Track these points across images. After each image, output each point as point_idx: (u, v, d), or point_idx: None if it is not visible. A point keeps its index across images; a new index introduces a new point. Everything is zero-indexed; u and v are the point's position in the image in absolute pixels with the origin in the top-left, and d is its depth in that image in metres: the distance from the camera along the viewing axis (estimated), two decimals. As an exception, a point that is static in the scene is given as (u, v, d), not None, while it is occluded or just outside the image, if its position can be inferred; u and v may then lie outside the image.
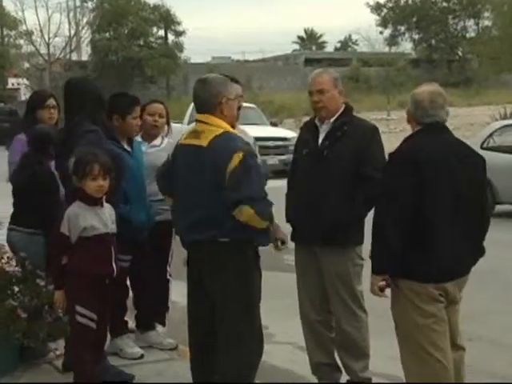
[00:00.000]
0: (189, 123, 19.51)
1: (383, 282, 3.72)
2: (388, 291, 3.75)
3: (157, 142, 5.44)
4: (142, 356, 5.11)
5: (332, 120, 4.41)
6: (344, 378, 4.56)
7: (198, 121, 3.96)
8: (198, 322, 4.02)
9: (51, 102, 5.37)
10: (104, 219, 4.29)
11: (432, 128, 3.72)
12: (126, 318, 5.26)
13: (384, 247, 3.61)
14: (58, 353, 4.93)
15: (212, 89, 3.90)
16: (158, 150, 5.33)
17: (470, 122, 25.65)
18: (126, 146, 5.02)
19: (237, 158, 3.70)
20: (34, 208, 4.78)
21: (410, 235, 3.57)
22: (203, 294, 3.94)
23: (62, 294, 4.27)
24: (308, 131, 4.55)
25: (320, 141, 4.41)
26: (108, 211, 4.36)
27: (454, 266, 3.67)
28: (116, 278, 4.37)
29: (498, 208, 11.22)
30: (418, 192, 3.56)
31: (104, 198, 4.31)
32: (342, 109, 4.44)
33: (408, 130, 3.93)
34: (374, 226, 3.64)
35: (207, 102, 3.89)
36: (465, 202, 3.66)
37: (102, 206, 4.32)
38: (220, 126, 3.86)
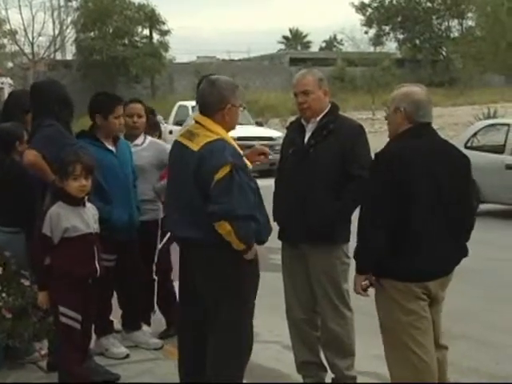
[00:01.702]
0: (174, 123, 19.49)
1: (366, 282, 3.75)
2: (371, 290, 3.77)
3: (138, 141, 5.44)
4: (127, 356, 5.10)
5: (318, 119, 4.42)
6: (329, 376, 4.58)
7: (195, 121, 3.94)
8: (189, 323, 4.00)
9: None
10: (86, 219, 4.29)
11: (425, 128, 3.74)
12: (111, 318, 5.26)
13: (367, 247, 3.63)
14: (42, 352, 4.91)
15: (219, 93, 3.85)
16: (139, 150, 5.35)
17: (455, 121, 25.78)
18: (109, 146, 5.00)
19: (224, 170, 3.65)
20: (12, 206, 4.77)
21: (393, 235, 3.58)
22: (194, 294, 3.91)
23: (46, 295, 4.26)
24: (294, 130, 4.57)
25: (306, 140, 4.43)
26: (91, 211, 4.36)
27: (437, 266, 3.69)
28: (101, 278, 4.36)
29: (482, 207, 11.29)
30: (403, 192, 3.57)
31: (86, 197, 4.32)
32: (327, 108, 4.45)
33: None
34: (358, 225, 3.66)
35: (212, 104, 3.84)
36: (450, 203, 3.67)
37: (84, 205, 4.31)
38: (215, 131, 3.81)
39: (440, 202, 3.64)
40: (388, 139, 3.84)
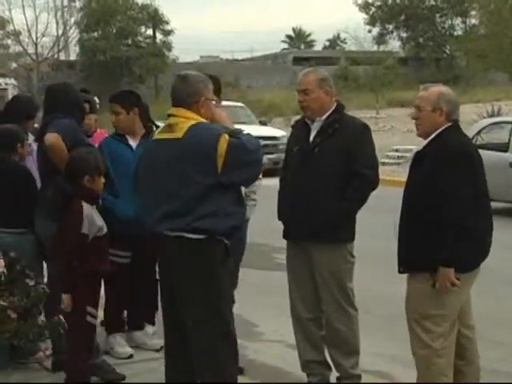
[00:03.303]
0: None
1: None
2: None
3: None
4: (131, 356, 5.12)
5: (323, 118, 4.42)
6: (334, 375, 4.58)
7: (169, 115, 3.85)
8: (169, 321, 3.88)
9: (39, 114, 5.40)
10: (101, 218, 4.36)
11: (459, 125, 3.99)
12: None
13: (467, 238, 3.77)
14: (47, 353, 4.92)
15: (192, 86, 3.83)
16: None
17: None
18: (130, 142, 5.15)
19: (223, 141, 3.62)
20: (17, 207, 4.78)
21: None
22: (172, 294, 3.79)
23: (70, 297, 4.26)
24: (299, 129, 4.57)
25: (311, 138, 4.43)
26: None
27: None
28: (116, 275, 4.43)
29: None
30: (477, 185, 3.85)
31: None
32: (333, 107, 4.45)
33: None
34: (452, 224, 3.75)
35: (186, 98, 3.81)
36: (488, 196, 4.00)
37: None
38: (193, 117, 3.77)
39: (486, 193, 3.96)
40: (420, 138, 4.02)
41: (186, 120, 3.75)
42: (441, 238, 3.75)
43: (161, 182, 3.75)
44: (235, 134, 3.72)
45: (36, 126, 5.70)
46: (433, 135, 3.93)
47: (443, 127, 3.92)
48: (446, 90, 4.01)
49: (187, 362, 3.80)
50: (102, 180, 4.41)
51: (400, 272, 3.98)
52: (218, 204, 3.66)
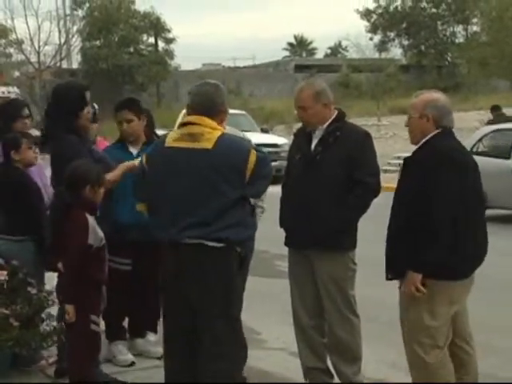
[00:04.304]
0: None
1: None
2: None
3: None
4: (132, 363, 5.12)
5: (325, 126, 4.43)
6: (336, 382, 4.58)
7: (190, 123, 3.82)
8: (178, 331, 3.83)
9: (25, 111, 5.36)
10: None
11: (452, 132, 3.95)
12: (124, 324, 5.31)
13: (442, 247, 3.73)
14: (50, 361, 4.92)
15: (223, 96, 3.92)
16: None
17: (460, 127, 25.73)
18: (131, 149, 5.19)
19: (253, 155, 3.75)
20: (19, 214, 4.79)
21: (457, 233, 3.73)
22: (184, 301, 3.77)
23: (73, 307, 4.26)
24: (301, 137, 4.58)
25: (313, 146, 4.44)
26: None
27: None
28: (117, 283, 4.44)
29: (488, 212, 11.23)
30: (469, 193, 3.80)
31: None
32: (334, 115, 4.46)
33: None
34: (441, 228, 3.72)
35: (217, 105, 3.85)
36: (482, 203, 3.98)
37: None
38: (216, 127, 3.81)
39: (480, 203, 3.94)
40: (412, 145, 3.98)
41: (212, 130, 3.77)
42: (422, 243, 3.71)
43: (186, 192, 3.73)
44: (258, 149, 3.86)
45: (37, 133, 5.68)
46: (422, 141, 3.90)
47: (432, 133, 3.87)
48: (435, 96, 3.95)
49: (190, 367, 3.79)
50: (102, 191, 4.41)
51: (388, 279, 3.95)
52: (239, 215, 3.75)
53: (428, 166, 3.76)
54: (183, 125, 3.88)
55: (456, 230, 3.70)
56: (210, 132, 3.77)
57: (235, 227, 3.71)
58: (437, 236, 3.69)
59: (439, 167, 3.73)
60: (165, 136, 3.97)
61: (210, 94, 3.87)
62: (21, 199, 4.81)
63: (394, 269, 3.90)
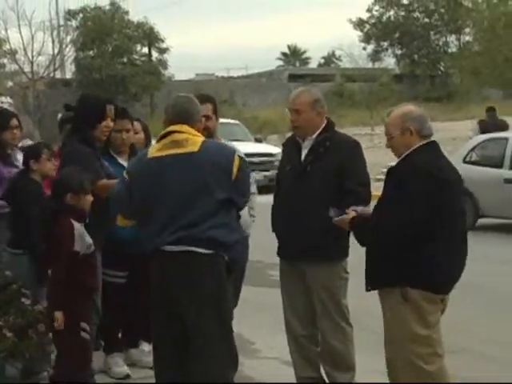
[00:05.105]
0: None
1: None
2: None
3: None
4: (127, 375, 5.10)
5: (314, 136, 4.45)
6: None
7: (172, 132, 3.85)
8: (167, 338, 3.82)
9: (14, 122, 5.37)
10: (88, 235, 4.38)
11: (435, 143, 3.90)
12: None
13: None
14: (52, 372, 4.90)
15: (197, 106, 4.01)
16: None
17: (453, 136, 25.81)
18: (120, 160, 5.12)
19: (237, 159, 3.82)
20: (15, 227, 4.79)
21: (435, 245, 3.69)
22: (174, 310, 3.76)
23: (62, 313, 4.26)
24: (290, 147, 4.60)
25: (303, 157, 4.45)
26: None
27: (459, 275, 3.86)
28: (113, 296, 4.43)
29: (481, 221, 11.30)
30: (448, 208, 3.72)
31: None
32: (323, 124, 4.48)
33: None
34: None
35: (194, 115, 3.94)
36: (462, 217, 3.87)
37: None
38: (197, 134, 3.90)
39: (462, 214, 3.86)
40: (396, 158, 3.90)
41: (195, 136, 3.87)
42: (390, 255, 3.71)
43: (174, 198, 3.75)
44: (240, 154, 3.95)
45: (30, 142, 5.67)
46: (405, 153, 3.83)
47: (417, 145, 3.81)
48: (409, 108, 3.90)
49: (180, 374, 3.79)
50: (89, 198, 4.39)
51: (367, 290, 3.88)
52: (226, 218, 3.79)
53: (402, 178, 3.74)
54: (164, 136, 3.91)
55: (429, 242, 3.66)
56: (194, 137, 3.86)
57: (223, 228, 3.74)
58: (397, 247, 3.67)
59: (412, 179, 3.70)
60: (146, 151, 4.02)
61: (185, 104, 3.97)
62: (18, 212, 4.79)
63: (373, 279, 3.85)
